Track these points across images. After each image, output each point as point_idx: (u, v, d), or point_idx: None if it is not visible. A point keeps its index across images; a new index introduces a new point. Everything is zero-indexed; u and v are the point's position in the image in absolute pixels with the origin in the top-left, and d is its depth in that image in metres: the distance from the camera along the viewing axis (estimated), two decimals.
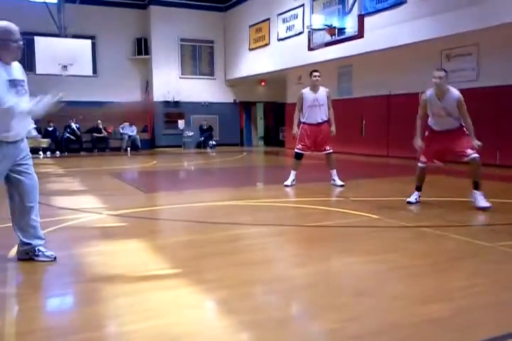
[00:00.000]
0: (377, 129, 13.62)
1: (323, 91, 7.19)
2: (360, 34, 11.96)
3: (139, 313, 2.47)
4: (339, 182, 7.15)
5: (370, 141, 13.72)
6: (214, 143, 19.09)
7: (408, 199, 5.61)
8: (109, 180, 8.72)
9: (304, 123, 7.25)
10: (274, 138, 21.25)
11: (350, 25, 12.56)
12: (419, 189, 5.68)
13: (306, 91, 7.22)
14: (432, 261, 3.38)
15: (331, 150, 7.24)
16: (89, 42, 15.63)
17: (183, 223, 4.81)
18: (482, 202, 5.08)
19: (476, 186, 5.18)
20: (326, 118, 7.19)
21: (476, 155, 5.13)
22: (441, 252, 3.61)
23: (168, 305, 2.59)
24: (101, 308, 2.58)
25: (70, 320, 2.50)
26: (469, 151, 5.14)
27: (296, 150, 7.30)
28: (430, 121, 5.54)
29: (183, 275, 3.14)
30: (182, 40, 19.46)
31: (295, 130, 7.28)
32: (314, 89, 7.16)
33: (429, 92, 5.42)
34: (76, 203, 6.00)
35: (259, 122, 21.85)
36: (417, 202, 5.60)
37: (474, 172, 5.20)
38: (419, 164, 5.69)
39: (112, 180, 8.66)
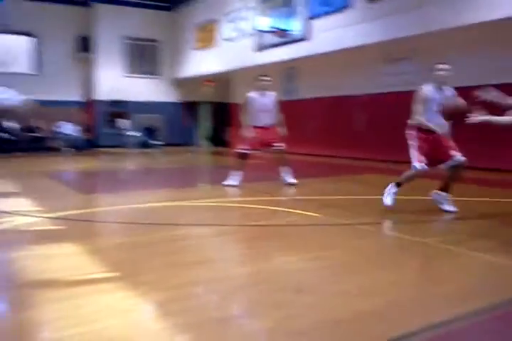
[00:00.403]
0: (321, 130, 13.87)
1: (271, 96, 7.18)
2: (306, 37, 12.13)
3: (74, 318, 2.37)
4: (291, 180, 7.18)
5: (315, 142, 13.95)
6: (158, 143, 18.81)
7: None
8: (46, 181, 8.37)
9: (250, 124, 7.23)
10: (219, 139, 21.19)
11: (297, 27, 12.72)
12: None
13: (254, 94, 7.15)
14: (367, 257, 3.46)
15: (283, 147, 7.22)
16: (28, 39, 15.01)
17: (121, 225, 4.68)
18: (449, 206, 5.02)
19: (447, 189, 5.07)
20: (273, 122, 7.21)
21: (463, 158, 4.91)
22: (376, 248, 3.71)
23: (104, 309, 2.50)
24: (35, 314, 2.47)
25: (1, 327, 2.37)
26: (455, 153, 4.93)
27: (240, 149, 7.24)
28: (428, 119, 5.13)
29: (121, 278, 3.04)
30: (127, 38, 19.06)
31: (245, 131, 7.23)
32: (262, 93, 7.13)
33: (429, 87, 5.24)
34: (10, 206, 5.71)
35: (204, 122, 21.71)
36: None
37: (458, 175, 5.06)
38: None
39: (49, 181, 8.33)
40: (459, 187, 5.15)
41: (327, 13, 11.99)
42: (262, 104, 7.08)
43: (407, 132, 5.31)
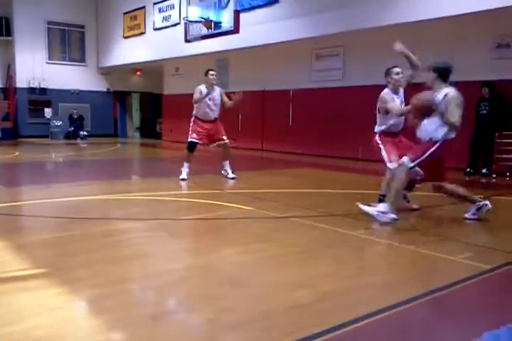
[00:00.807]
0: (252, 124, 13.98)
1: (218, 90, 7.26)
2: (235, 29, 12.12)
3: (0, 317, 2.27)
4: (231, 175, 7.29)
5: (246, 135, 14.04)
6: (85, 133, 18.14)
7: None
8: None
9: (196, 117, 7.25)
10: (150, 130, 20.78)
11: (226, 19, 12.67)
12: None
13: (203, 88, 7.20)
14: (300, 249, 3.57)
15: (227, 141, 7.30)
16: None
17: (49, 219, 4.51)
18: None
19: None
20: (218, 116, 7.29)
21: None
22: (309, 241, 3.82)
23: (32, 308, 2.42)
24: None
25: None
26: None
27: (190, 139, 7.19)
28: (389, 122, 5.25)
29: (50, 275, 2.94)
30: (49, 23, 18.12)
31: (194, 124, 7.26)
32: (210, 88, 7.15)
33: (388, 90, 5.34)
34: None
35: (134, 113, 21.19)
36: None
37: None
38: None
39: None
40: (377, 181, 5.40)
41: (256, 7, 12.07)
42: (209, 99, 7.15)
43: (375, 139, 5.40)
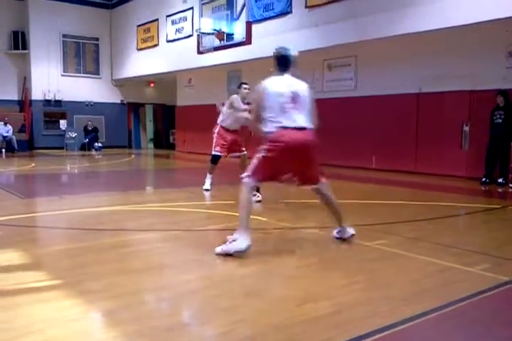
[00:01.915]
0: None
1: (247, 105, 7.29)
2: (247, 41, 12.23)
3: (17, 329, 2.29)
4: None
5: (257, 145, 14.03)
6: (100, 145, 18.32)
7: None
8: None
9: (222, 127, 7.32)
10: (164, 141, 20.93)
11: (238, 31, 12.79)
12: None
13: (239, 99, 7.12)
14: (314, 261, 3.55)
15: (245, 152, 7.34)
16: None
17: (64, 231, 4.55)
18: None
19: None
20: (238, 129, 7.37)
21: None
22: (323, 252, 3.80)
23: (48, 319, 2.43)
24: None
25: None
26: None
27: (214, 152, 7.27)
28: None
29: (65, 286, 2.96)
30: (64, 35, 18.44)
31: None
32: (244, 101, 7.10)
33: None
34: None
35: (148, 124, 21.37)
36: None
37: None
38: None
39: None
40: (390, 191, 5.38)
41: (268, 18, 12.18)
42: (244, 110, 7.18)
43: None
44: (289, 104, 3.84)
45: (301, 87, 4.06)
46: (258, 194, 6.20)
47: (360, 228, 4.69)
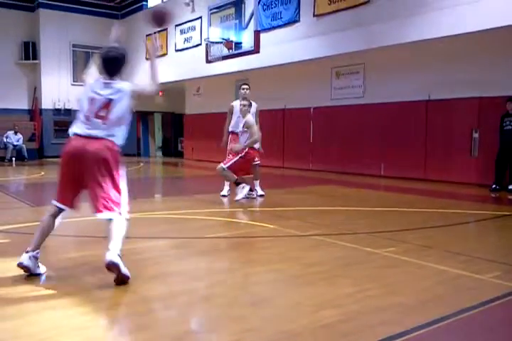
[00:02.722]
0: (272, 141, 14.02)
1: (253, 106, 7.32)
2: (256, 49, 12.30)
3: (24, 337, 2.29)
4: (260, 192, 7.38)
5: (267, 153, 14.05)
6: None
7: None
8: None
9: (232, 132, 7.39)
10: (172, 149, 21.02)
11: (246, 40, 12.86)
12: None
13: (236, 103, 7.41)
14: (323, 268, 3.53)
15: (257, 162, 7.39)
16: None
17: (74, 238, 4.57)
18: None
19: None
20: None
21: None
22: (332, 259, 3.78)
23: (57, 327, 2.43)
24: None
25: None
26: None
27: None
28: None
29: (74, 294, 2.97)
30: (74, 45, 18.64)
31: (224, 141, 7.50)
32: (245, 100, 7.26)
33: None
34: None
35: (157, 133, 21.48)
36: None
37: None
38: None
39: None
40: (399, 198, 5.33)
41: (276, 27, 12.25)
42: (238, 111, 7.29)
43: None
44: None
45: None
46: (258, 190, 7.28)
47: (369, 235, 4.67)
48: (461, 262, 3.69)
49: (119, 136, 3.49)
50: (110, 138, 3.39)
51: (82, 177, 3.31)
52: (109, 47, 3.67)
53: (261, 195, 7.35)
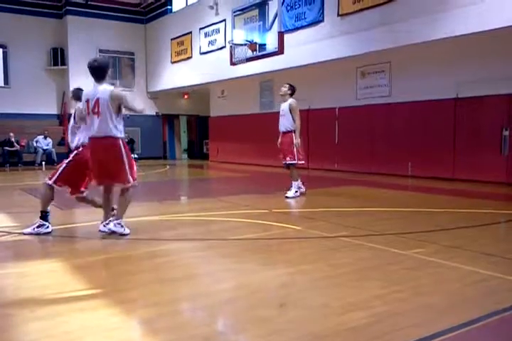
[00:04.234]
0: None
1: (287, 103, 7.56)
2: (280, 50, 12.28)
3: (57, 337, 2.34)
4: (290, 194, 7.39)
5: None
6: (136, 156, 18.65)
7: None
8: (22, 196, 8.23)
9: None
10: (198, 151, 21.17)
11: (270, 41, 12.86)
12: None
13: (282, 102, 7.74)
14: (350, 270, 3.50)
15: (292, 162, 7.45)
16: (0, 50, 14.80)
17: (101, 241, 4.64)
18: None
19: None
20: (286, 129, 7.53)
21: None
22: (360, 261, 3.74)
23: (87, 328, 2.48)
24: (13, 335, 2.42)
25: None
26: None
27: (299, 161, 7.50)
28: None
29: (103, 295, 3.02)
30: (101, 51, 18.95)
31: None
32: (283, 100, 7.67)
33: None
34: None
35: (182, 135, 21.67)
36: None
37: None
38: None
39: (25, 196, 8.18)
40: (427, 198, 5.22)
41: (300, 28, 12.21)
42: (281, 110, 7.61)
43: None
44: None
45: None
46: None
47: (397, 236, 4.61)
48: (492, 263, 3.60)
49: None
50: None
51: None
52: (94, 59, 4.74)
53: (302, 193, 7.41)
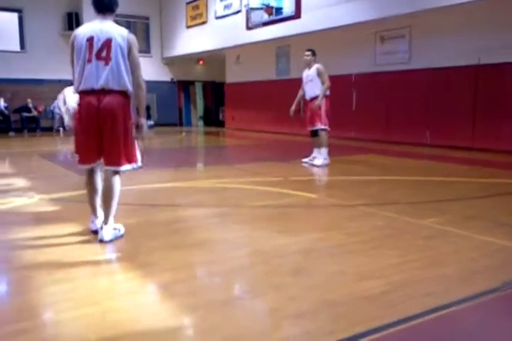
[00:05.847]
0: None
1: (313, 68, 7.39)
2: (297, 14, 11.99)
3: (75, 300, 2.40)
4: (317, 162, 7.33)
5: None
6: (152, 123, 18.66)
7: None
8: (41, 162, 8.34)
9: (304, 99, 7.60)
10: (214, 118, 21.08)
11: (287, 5, 12.54)
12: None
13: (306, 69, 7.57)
14: (366, 238, 3.50)
15: (322, 127, 7.39)
16: (15, 15, 14.67)
17: (120, 206, 4.68)
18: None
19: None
20: (316, 94, 7.37)
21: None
22: (375, 230, 3.74)
23: (105, 291, 2.54)
24: (34, 296, 2.49)
25: (1, 310, 2.40)
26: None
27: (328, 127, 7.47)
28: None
29: (121, 259, 3.08)
30: (116, 15, 18.21)
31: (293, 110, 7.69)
32: (307, 67, 7.50)
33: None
34: (5, 187, 5.71)
35: (198, 102, 21.54)
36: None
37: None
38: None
39: (44, 162, 8.29)
40: (445, 167, 5.10)
41: None
42: (306, 76, 7.47)
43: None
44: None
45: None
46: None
47: (414, 205, 4.59)
48: (509, 233, 3.58)
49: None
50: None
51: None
52: None
53: (316, 165, 7.30)
